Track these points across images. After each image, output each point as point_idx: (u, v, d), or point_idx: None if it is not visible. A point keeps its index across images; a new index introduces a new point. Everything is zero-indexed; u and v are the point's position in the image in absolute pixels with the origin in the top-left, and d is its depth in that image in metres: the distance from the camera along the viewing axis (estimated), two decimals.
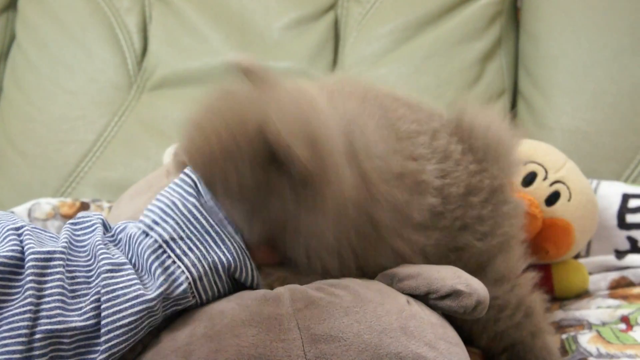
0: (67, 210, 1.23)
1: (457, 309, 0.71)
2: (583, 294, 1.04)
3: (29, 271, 0.64)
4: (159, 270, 0.67)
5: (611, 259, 1.06)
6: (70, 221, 0.72)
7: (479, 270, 0.80)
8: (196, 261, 0.68)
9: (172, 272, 0.67)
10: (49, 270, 0.65)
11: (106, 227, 0.72)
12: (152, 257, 0.67)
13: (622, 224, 1.06)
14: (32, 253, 0.65)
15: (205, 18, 1.51)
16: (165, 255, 0.68)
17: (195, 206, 0.70)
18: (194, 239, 0.69)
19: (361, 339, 0.65)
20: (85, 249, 0.69)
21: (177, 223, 0.69)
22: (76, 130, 1.48)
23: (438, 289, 0.72)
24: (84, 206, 1.25)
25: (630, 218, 1.06)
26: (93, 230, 0.71)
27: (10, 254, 0.64)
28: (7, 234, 0.67)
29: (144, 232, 0.69)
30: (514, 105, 1.41)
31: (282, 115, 0.66)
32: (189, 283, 0.68)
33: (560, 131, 1.30)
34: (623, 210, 1.07)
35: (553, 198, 0.99)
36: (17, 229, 0.68)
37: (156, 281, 0.66)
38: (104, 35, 1.52)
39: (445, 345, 0.69)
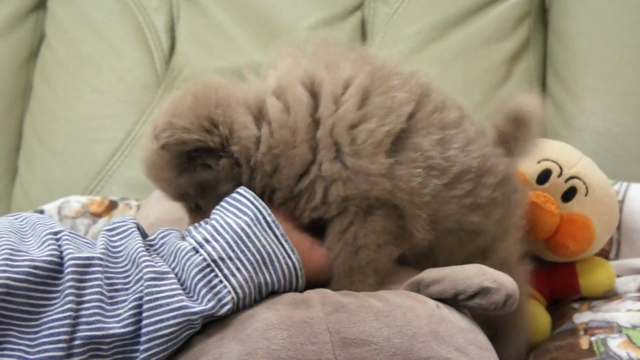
0: (96, 208, 1.24)
1: (488, 305, 0.71)
2: (612, 296, 1.03)
3: (68, 277, 0.64)
4: (204, 290, 0.67)
5: None
6: (106, 227, 0.72)
7: (481, 254, 0.82)
8: (243, 282, 0.68)
9: (219, 292, 0.67)
10: (88, 277, 0.65)
11: (142, 232, 0.73)
12: (199, 275, 0.67)
13: None
14: (72, 259, 0.65)
15: (233, 18, 1.52)
16: (212, 274, 0.68)
17: (248, 225, 0.70)
18: (243, 259, 0.69)
19: (391, 343, 0.65)
20: (121, 254, 0.69)
21: (228, 242, 0.69)
22: (104, 129, 1.48)
23: (465, 289, 0.72)
24: (113, 204, 1.26)
25: None
26: (129, 236, 0.71)
27: (49, 258, 0.65)
28: (45, 238, 0.67)
29: (194, 248, 0.69)
30: None
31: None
32: (233, 303, 0.68)
33: (589, 132, 1.29)
34: None
35: (569, 194, 0.99)
36: (56, 233, 0.68)
37: (201, 299, 0.66)
38: (132, 34, 1.53)
39: (476, 350, 0.69)
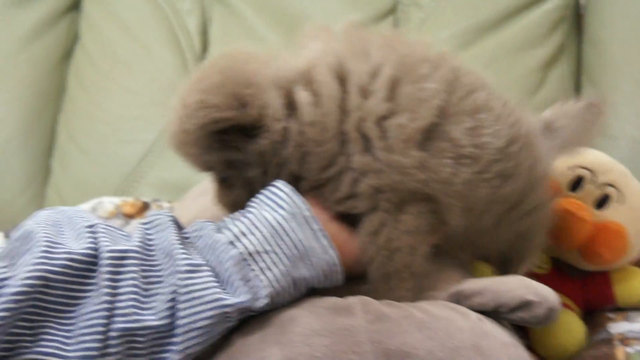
0: (129, 209, 1.24)
1: (530, 319, 0.70)
2: None
3: (104, 269, 0.65)
4: (240, 283, 0.67)
5: None
6: (142, 221, 0.73)
7: (515, 207, 0.80)
8: (279, 276, 0.68)
9: (254, 285, 0.67)
10: (123, 269, 0.66)
11: (178, 225, 0.73)
12: (235, 268, 0.67)
13: None
14: (108, 251, 0.66)
15: (265, 20, 1.52)
16: (248, 268, 0.68)
17: (285, 219, 0.70)
18: (279, 253, 0.69)
19: (433, 356, 0.65)
20: (157, 248, 0.69)
21: (264, 236, 0.69)
22: (137, 130, 1.50)
23: (507, 302, 0.71)
24: (145, 206, 1.27)
25: None
26: (165, 229, 0.71)
27: (86, 251, 0.66)
28: (82, 230, 0.68)
29: (230, 241, 0.69)
30: None
31: None
32: (270, 298, 0.68)
33: (625, 140, 1.28)
34: None
35: (603, 201, 0.98)
36: (92, 226, 0.69)
37: (237, 292, 0.67)
38: (165, 36, 1.54)
39: None
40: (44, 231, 0.67)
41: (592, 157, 1.01)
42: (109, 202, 1.25)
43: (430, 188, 0.73)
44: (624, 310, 1.00)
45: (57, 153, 1.54)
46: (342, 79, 0.75)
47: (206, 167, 0.78)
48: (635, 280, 1.02)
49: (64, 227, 0.70)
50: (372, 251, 0.75)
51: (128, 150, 1.48)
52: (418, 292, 0.75)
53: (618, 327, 0.95)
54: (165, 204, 1.29)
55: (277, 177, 0.74)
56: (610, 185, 0.98)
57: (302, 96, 0.74)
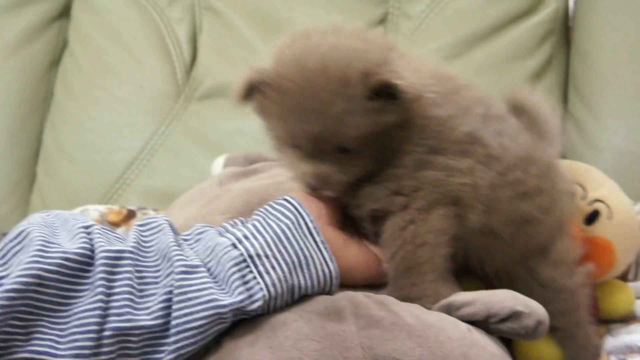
0: (114, 217, 1.24)
1: (519, 330, 0.71)
2: (631, 319, 1.02)
3: (99, 269, 0.65)
4: (237, 283, 0.67)
5: None
6: (138, 223, 0.73)
7: (541, 252, 0.84)
8: (277, 281, 0.69)
9: (251, 287, 0.68)
10: (118, 269, 0.66)
11: (173, 229, 0.73)
12: (234, 269, 0.68)
13: None
14: (103, 251, 0.66)
15: (255, 29, 1.52)
16: (247, 270, 0.68)
17: (289, 227, 0.71)
18: (279, 259, 0.70)
19: None
20: (152, 249, 0.70)
21: (267, 241, 0.70)
22: (124, 138, 1.49)
23: (497, 312, 0.71)
24: (131, 214, 1.26)
25: None
26: (160, 231, 0.72)
27: (81, 251, 0.66)
28: (77, 231, 0.68)
29: (232, 244, 0.69)
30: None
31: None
32: (264, 301, 0.68)
33: (611, 153, 1.28)
34: None
35: (592, 217, 0.98)
36: (87, 227, 0.69)
37: (233, 292, 0.67)
38: (155, 44, 1.54)
39: None
40: (38, 231, 0.67)
41: (584, 171, 1.01)
42: (95, 210, 1.25)
43: (463, 191, 0.78)
44: (605, 322, 1.01)
45: (42, 160, 1.53)
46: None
47: (361, 131, 0.77)
48: (620, 295, 1.02)
49: (59, 228, 0.70)
50: (395, 246, 0.77)
51: (115, 158, 1.48)
52: (439, 287, 0.77)
53: (601, 342, 0.95)
54: (151, 212, 1.28)
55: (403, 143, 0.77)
56: (601, 201, 0.98)
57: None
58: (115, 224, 1.23)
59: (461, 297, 0.74)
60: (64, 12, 1.60)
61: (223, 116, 1.48)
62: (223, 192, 0.97)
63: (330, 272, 0.72)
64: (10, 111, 1.53)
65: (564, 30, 1.44)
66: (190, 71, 1.54)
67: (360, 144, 0.77)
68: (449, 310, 0.73)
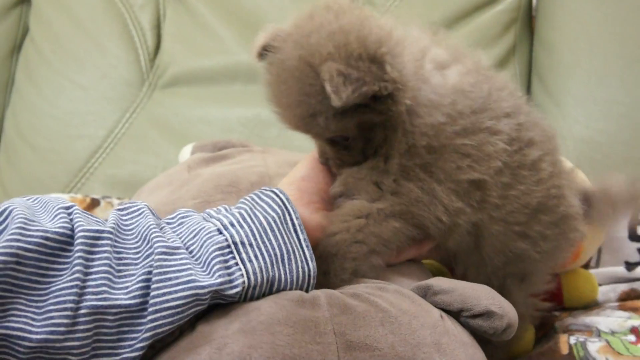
0: (78, 206, 1.22)
1: (487, 329, 0.71)
2: (592, 305, 1.04)
3: (78, 247, 0.65)
4: (219, 266, 0.68)
5: (621, 270, 1.06)
6: (117, 207, 0.73)
7: (522, 278, 0.85)
8: (258, 271, 0.69)
9: (232, 273, 0.68)
10: (97, 249, 0.66)
11: (153, 213, 0.73)
12: (217, 252, 0.68)
13: (633, 236, 1.06)
14: (82, 230, 0.66)
15: (219, 17, 1.51)
16: (230, 256, 0.69)
17: (275, 221, 0.72)
18: (263, 249, 0.70)
19: (395, 350, 0.65)
20: (133, 232, 0.70)
21: (252, 230, 0.71)
22: (87, 126, 1.48)
23: (471, 307, 0.72)
24: (95, 202, 1.25)
25: None
26: (140, 214, 0.72)
27: (60, 230, 0.66)
28: (57, 212, 0.68)
29: (218, 229, 0.70)
30: None
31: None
32: (243, 287, 0.68)
33: (573, 140, 1.30)
34: (634, 221, 1.07)
35: None
36: (67, 207, 0.69)
37: (213, 275, 0.67)
38: (118, 31, 1.52)
39: None
40: (20, 210, 0.67)
41: None
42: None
43: (435, 226, 0.77)
44: (569, 309, 1.02)
45: (3, 148, 1.52)
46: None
47: (333, 134, 0.76)
48: (584, 284, 1.04)
49: (39, 210, 0.70)
50: (338, 227, 0.76)
51: (78, 146, 1.46)
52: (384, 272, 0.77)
53: (563, 322, 0.97)
54: (115, 201, 1.27)
55: (393, 145, 0.75)
56: None
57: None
58: None
59: (440, 283, 0.74)
60: None
61: (188, 104, 1.47)
62: (192, 177, 0.97)
63: (309, 270, 0.72)
64: None
65: (528, 19, 1.46)
66: (154, 59, 1.53)
67: (340, 139, 0.77)
68: (425, 293, 0.74)
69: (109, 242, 0.67)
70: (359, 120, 0.73)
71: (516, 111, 0.79)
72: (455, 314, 0.73)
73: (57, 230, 0.65)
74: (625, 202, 0.88)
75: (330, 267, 0.75)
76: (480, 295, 0.72)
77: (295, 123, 0.75)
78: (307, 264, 0.72)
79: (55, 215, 0.68)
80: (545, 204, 0.81)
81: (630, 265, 1.06)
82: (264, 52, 0.75)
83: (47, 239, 0.65)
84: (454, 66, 0.77)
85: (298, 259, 0.72)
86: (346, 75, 0.68)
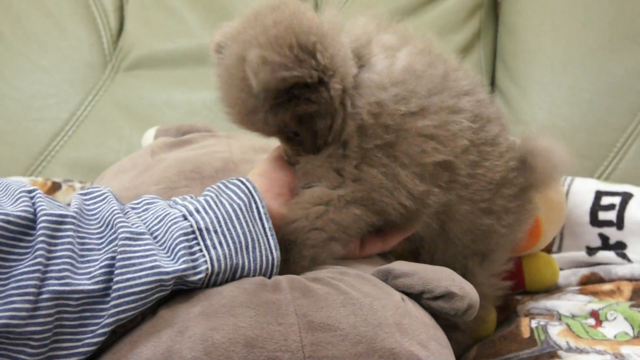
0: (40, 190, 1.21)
1: (449, 310, 0.72)
2: (554, 289, 1.05)
3: (40, 232, 0.64)
4: (182, 252, 0.68)
5: (582, 255, 1.07)
6: (80, 192, 0.72)
7: (483, 256, 0.87)
8: (222, 257, 0.69)
9: (196, 259, 0.68)
10: (60, 234, 0.65)
11: (117, 199, 0.73)
12: (182, 238, 0.68)
13: (594, 221, 1.07)
14: (45, 215, 0.65)
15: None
16: (194, 242, 0.69)
17: (240, 209, 0.72)
18: (227, 236, 0.70)
19: (357, 330, 0.66)
20: (96, 217, 0.69)
21: (217, 217, 0.71)
22: (48, 108, 1.46)
23: (432, 289, 0.72)
24: (56, 186, 1.24)
25: (603, 215, 1.07)
26: (104, 200, 0.71)
27: (22, 214, 0.65)
28: (19, 195, 0.67)
29: (183, 215, 0.70)
30: None
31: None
32: (206, 274, 0.68)
33: (536, 126, 1.30)
34: (595, 207, 1.08)
35: None
36: (30, 191, 0.68)
37: (177, 261, 0.67)
38: (80, 12, 1.50)
39: (436, 346, 0.70)
40: None
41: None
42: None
43: (398, 212, 0.77)
44: (530, 293, 1.03)
45: None
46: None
47: (276, 129, 0.76)
48: (545, 268, 1.05)
49: (0, 193, 0.69)
50: (297, 215, 0.76)
51: (39, 129, 1.44)
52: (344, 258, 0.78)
53: (524, 306, 0.98)
54: (77, 185, 1.26)
55: (342, 130, 0.74)
56: None
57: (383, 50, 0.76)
58: None
59: (401, 266, 0.74)
60: None
61: (151, 87, 1.46)
62: (156, 162, 0.96)
63: (273, 259, 0.72)
64: None
65: (493, 5, 1.46)
66: (117, 41, 1.51)
67: (292, 134, 0.76)
68: (387, 277, 0.74)
69: (72, 227, 0.66)
70: (295, 112, 0.73)
71: (474, 89, 0.80)
72: (417, 297, 0.73)
73: (18, 213, 0.64)
74: (563, 160, 0.89)
75: (289, 254, 0.75)
76: (440, 277, 0.73)
77: (241, 121, 0.76)
78: (271, 253, 0.72)
79: (17, 199, 0.67)
80: (506, 177, 0.82)
81: (591, 250, 1.07)
82: (219, 51, 0.76)
83: (8, 222, 0.64)
84: (404, 48, 0.77)
85: (262, 247, 0.72)
86: (267, 58, 0.69)
